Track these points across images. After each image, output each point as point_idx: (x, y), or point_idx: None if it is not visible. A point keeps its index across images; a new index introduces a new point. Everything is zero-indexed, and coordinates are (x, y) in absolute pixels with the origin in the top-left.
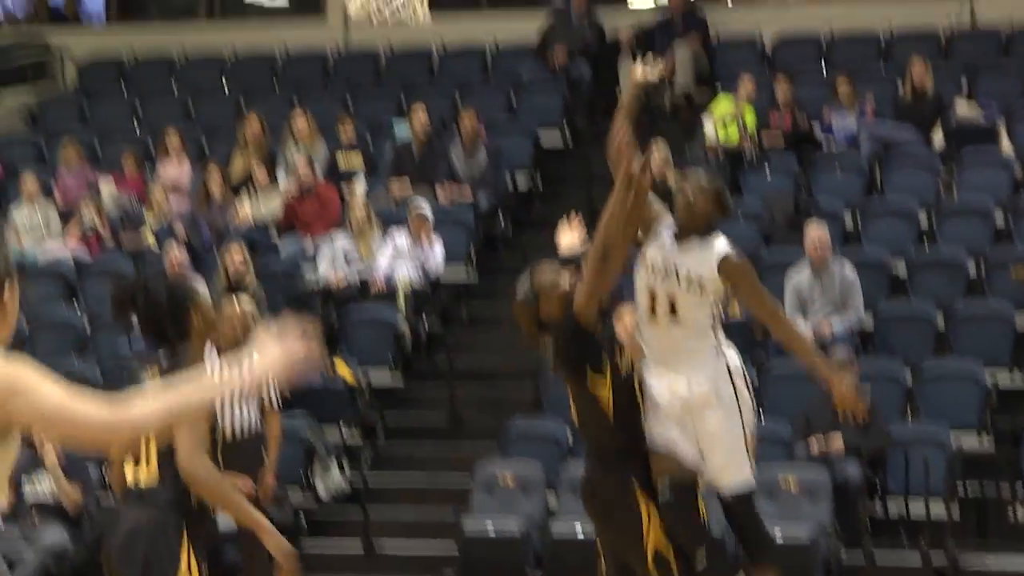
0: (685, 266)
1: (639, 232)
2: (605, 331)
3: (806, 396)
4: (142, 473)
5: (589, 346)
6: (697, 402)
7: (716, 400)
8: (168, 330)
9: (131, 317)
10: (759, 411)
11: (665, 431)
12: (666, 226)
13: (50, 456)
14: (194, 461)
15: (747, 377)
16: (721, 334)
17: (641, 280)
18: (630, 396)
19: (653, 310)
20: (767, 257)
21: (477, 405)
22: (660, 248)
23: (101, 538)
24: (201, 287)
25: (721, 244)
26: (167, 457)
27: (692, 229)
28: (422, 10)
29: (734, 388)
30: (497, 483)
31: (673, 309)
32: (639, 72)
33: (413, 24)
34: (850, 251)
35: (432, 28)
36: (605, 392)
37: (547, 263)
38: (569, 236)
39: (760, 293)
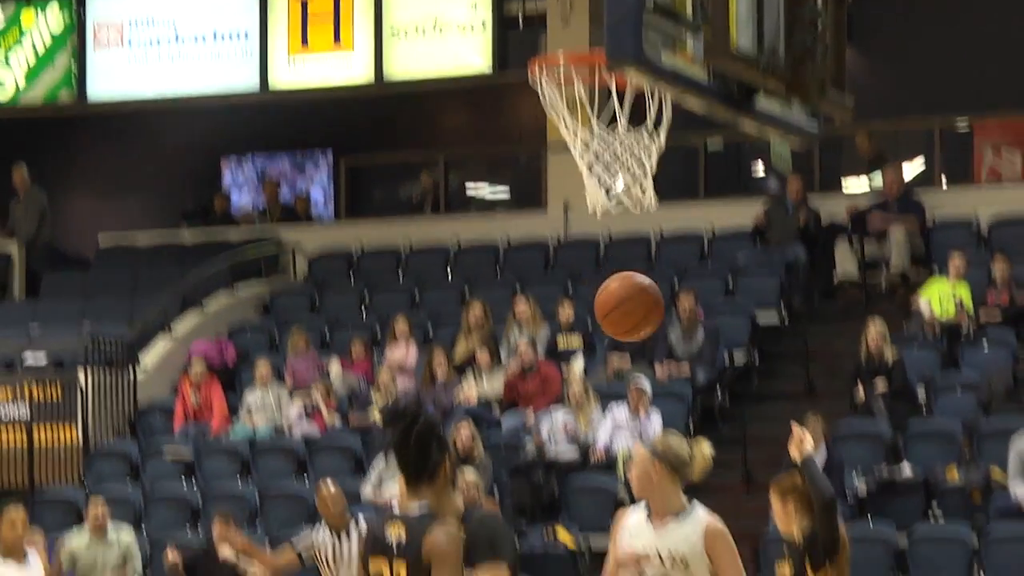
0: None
1: None
2: None
3: None
4: None
5: None
6: None
7: None
8: (422, 465)
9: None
10: (979, 570)
11: None
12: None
13: None
14: None
15: None
16: None
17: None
18: None
19: None
20: (985, 426)
21: None
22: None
23: None
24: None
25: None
26: None
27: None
28: (650, 194)
29: None
30: None
31: None
32: (801, 445)
33: (642, 209)
34: None
35: (651, 216)
36: None
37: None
38: (802, 443)
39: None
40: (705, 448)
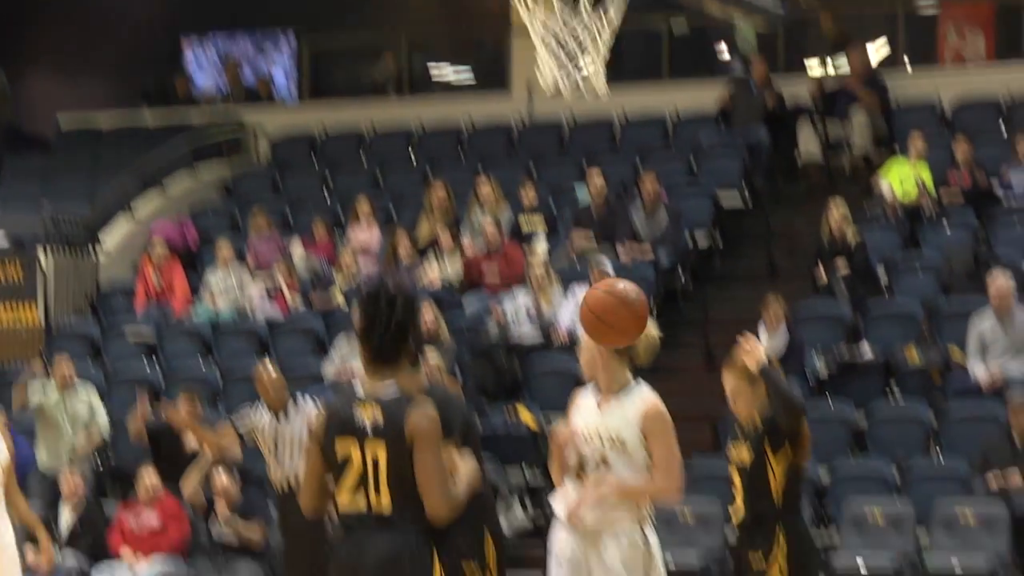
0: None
1: None
2: None
3: (983, 435)
4: (376, 499)
5: None
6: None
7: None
8: (398, 346)
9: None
10: (937, 448)
11: None
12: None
13: (222, 507)
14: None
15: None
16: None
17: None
18: None
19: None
20: (945, 306)
21: None
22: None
23: (338, 564)
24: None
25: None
26: (402, 484)
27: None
28: (601, 83)
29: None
30: (677, 518)
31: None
32: (753, 356)
33: (594, 97)
34: None
35: (614, 99)
36: None
37: None
38: (753, 353)
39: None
40: (651, 329)
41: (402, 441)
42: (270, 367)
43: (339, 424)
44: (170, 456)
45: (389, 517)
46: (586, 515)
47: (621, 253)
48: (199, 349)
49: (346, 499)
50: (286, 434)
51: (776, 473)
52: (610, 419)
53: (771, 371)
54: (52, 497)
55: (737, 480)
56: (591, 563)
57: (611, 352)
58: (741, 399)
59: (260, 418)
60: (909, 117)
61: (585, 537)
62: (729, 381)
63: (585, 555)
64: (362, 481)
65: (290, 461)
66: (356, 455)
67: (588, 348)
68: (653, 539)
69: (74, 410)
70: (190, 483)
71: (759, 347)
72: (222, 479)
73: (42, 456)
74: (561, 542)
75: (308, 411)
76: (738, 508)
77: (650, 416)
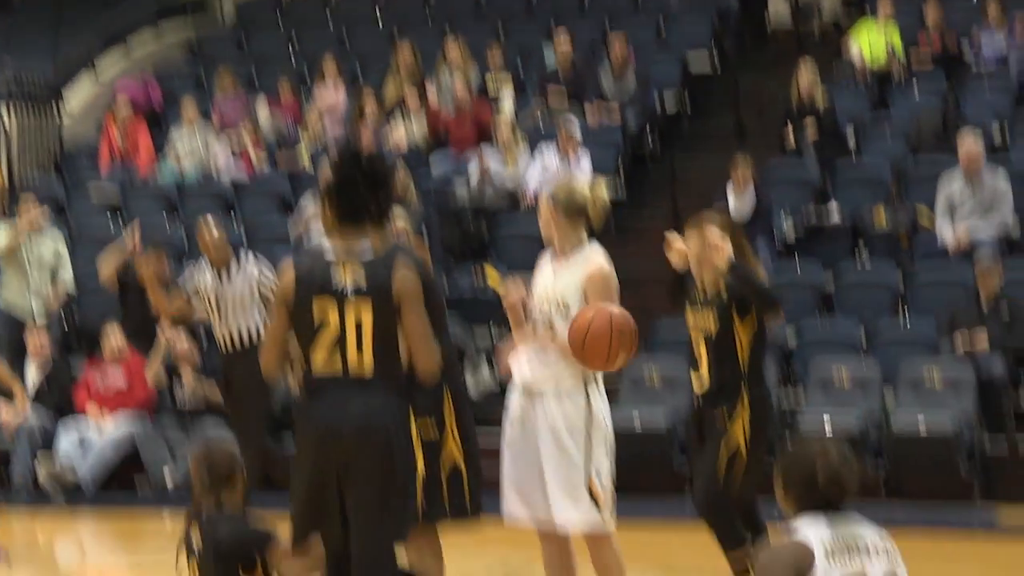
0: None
1: None
2: None
3: (950, 298)
4: (356, 360)
5: None
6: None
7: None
8: (371, 206)
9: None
10: (904, 311)
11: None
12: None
13: (187, 373)
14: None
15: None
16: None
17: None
18: None
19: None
20: (913, 168)
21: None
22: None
23: (314, 422)
24: None
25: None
26: (384, 344)
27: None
28: None
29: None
30: (644, 380)
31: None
32: (720, 253)
33: None
34: (997, 161)
35: None
36: None
37: None
38: (719, 250)
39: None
40: (600, 191)
41: (389, 301)
42: (212, 225)
43: (315, 285)
44: (137, 314)
45: (369, 379)
46: (522, 370)
47: (589, 114)
48: (164, 209)
49: (320, 361)
50: (228, 293)
51: (743, 342)
52: (559, 282)
53: (741, 266)
54: (17, 347)
55: (703, 349)
56: (537, 421)
57: (565, 215)
58: (707, 265)
59: (203, 276)
60: None
61: (531, 396)
62: (694, 245)
63: (532, 413)
64: (338, 343)
65: (233, 320)
66: (333, 316)
67: (543, 209)
68: (597, 400)
69: (39, 253)
70: (152, 369)
71: (725, 243)
72: (183, 343)
73: (6, 296)
74: (513, 402)
75: (250, 270)
76: (703, 376)
77: (592, 278)
